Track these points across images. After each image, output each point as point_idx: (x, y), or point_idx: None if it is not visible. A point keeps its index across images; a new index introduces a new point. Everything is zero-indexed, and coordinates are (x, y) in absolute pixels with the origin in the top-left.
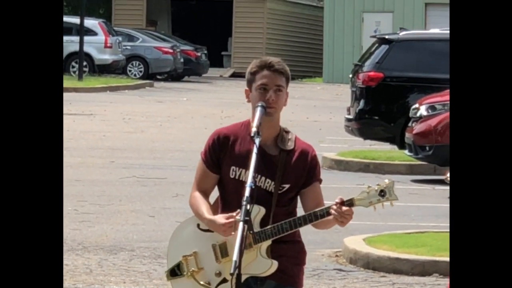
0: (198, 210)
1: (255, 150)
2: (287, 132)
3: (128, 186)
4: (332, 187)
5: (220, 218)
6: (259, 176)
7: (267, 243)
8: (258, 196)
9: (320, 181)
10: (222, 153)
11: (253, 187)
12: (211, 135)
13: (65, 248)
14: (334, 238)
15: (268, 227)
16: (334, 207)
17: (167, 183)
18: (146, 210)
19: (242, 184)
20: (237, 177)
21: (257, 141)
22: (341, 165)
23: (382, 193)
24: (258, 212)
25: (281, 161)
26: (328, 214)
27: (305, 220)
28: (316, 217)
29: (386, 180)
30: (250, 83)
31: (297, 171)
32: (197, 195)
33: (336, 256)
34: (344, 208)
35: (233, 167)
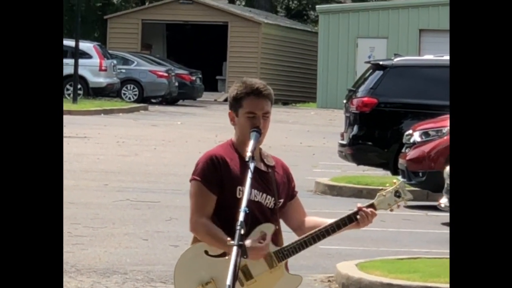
0: (220, 238)
1: (249, 175)
2: (260, 148)
3: (121, 209)
4: (325, 212)
5: (253, 243)
6: (261, 193)
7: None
8: (264, 213)
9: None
10: (223, 174)
11: (247, 211)
12: (205, 158)
13: None
14: (327, 263)
15: (291, 243)
16: (362, 211)
17: (161, 206)
18: (140, 233)
19: (250, 202)
20: None
21: (252, 166)
22: (334, 191)
23: (397, 193)
24: (272, 230)
25: (272, 176)
26: (351, 221)
27: (327, 232)
28: (339, 226)
29: (395, 180)
30: (236, 107)
31: (285, 184)
32: (208, 222)
33: (329, 281)
34: (369, 210)
35: (239, 187)
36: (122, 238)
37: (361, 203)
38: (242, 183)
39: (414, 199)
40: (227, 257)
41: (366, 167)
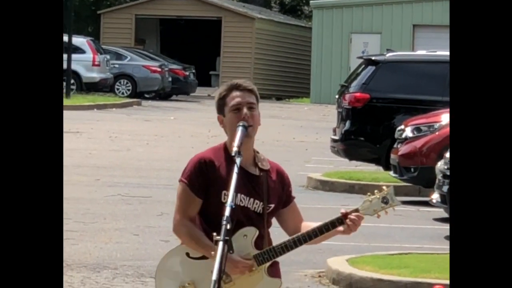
0: (200, 241)
1: (235, 170)
2: (258, 151)
3: (112, 204)
4: (317, 208)
5: (236, 256)
6: (248, 198)
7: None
8: (249, 217)
9: (294, 198)
10: (209, 178)
11: (234, 207)
12: (194, 161)
13: None
14: (317, 259)
15: (272, 246)
16: (349, 219)
17: (152, 201)
18: (130, 228)
19: (236, 206)
20: None
21: (238, 160)
22: (326, 186)
23: (384, 200)
24: (254, 233)
25: (264, 180)
26: (334, 226)
27: (310, 236)
28: (321, 231)
29: (385, 187)
30: (221, 108)
31: (278, 190)
32: (189, 224)
33: (319, 276)
34: (355, 214)
35: (224, 192)
36: (113, 233)
37: (345, 208)
38: (227, 187)
39: (406, 194)
40: (207, 260)
41: (359, 163)
